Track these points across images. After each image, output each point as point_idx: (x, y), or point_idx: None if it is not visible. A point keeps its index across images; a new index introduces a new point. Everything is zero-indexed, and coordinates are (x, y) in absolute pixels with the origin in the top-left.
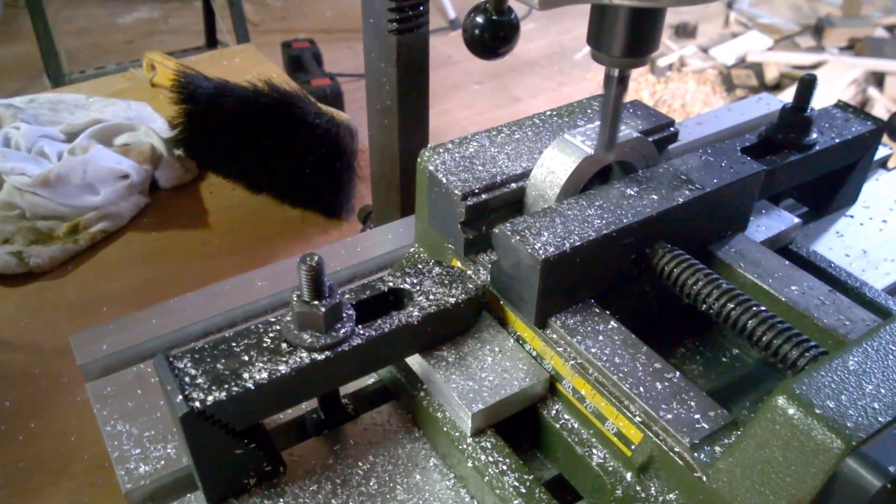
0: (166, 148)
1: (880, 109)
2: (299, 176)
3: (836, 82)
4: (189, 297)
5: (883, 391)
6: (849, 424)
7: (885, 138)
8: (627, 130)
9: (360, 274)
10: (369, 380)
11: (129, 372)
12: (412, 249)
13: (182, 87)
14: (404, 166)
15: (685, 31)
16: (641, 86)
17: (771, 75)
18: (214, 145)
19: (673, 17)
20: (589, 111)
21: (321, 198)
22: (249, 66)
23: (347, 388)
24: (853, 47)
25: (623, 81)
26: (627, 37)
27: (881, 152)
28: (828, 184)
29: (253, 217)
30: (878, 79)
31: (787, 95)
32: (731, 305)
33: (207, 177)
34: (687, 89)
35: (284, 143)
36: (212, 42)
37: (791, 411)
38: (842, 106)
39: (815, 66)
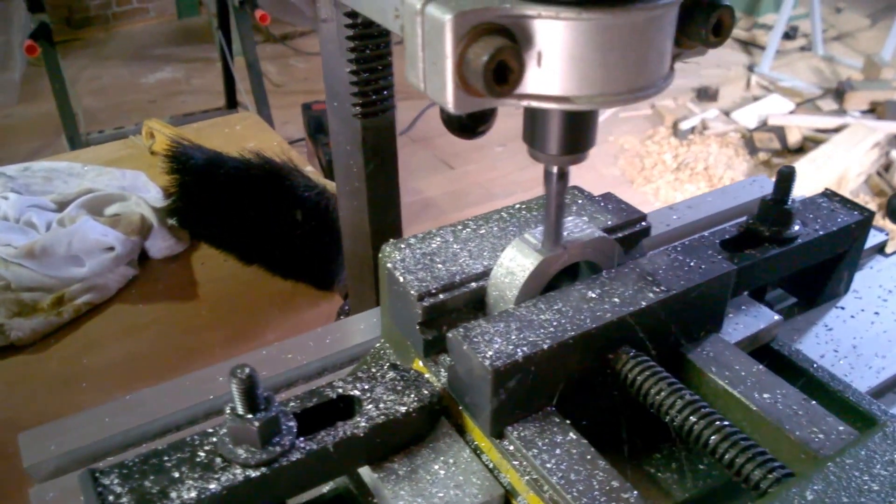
0: (158, 218)
1: None
2: (290, 248)
3: (859, 145)
4: (145, 393)
5: None
6: None
7: (880, 221)
8: (589, 230)
9: (329, 367)
10: (324, 488)
11: (73, 476)
12: (378, 345)
13: (174, 157)
14: (376, 246)
15: (707, 95)
16: (664, 148)
17: (793, 139)
18: (207, 215)
19: (694, 80)
20: None
21: (312, 270)
22: (250, 134)
23: (300, 496)
24: (874, 111)
25: (563, 177)
26: (562, 136)
27: (877, 238)
28: (817, 274)
29: (243, 289)
30: None
31: (810, 159)
32: (693, 419)
33: (200, 247)
34: (710, 152)
35: (275, 216)
36: (231, 103)
37: None
38: (828, 195)
39: (837, 129)
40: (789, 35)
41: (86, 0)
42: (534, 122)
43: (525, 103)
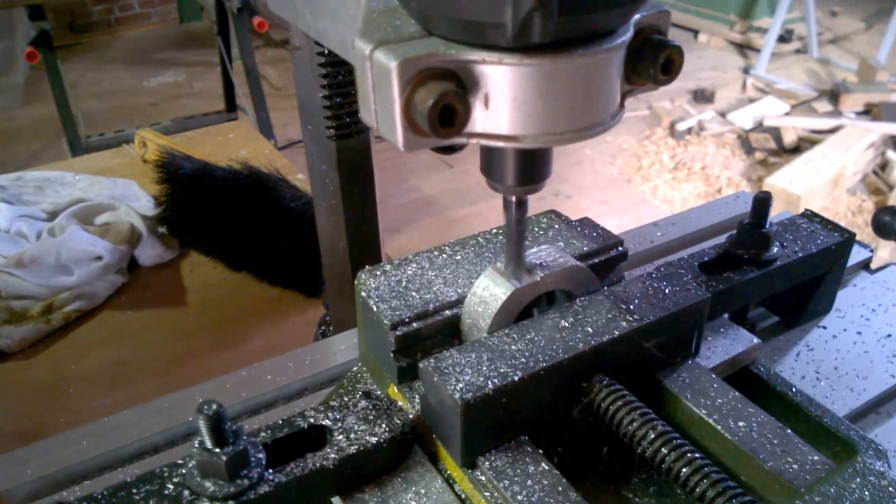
0: (147, 226)
1: None
2: (278, 255)
3: (855, 145)
4: (123, 416)
5: None
6: None
7: (863, 237)
8: (563, 258)
9: (309, 387)
10: None
11: (49, 500)
12: (355, 368)
13: (163, 167)
14: (354, 262)
15: (703, 97)
16: (661, 149)
17: (789, 139)
18: (196, 224)
19: (690, 82)
20: (536, 229)
21: (299, 277)
22: (243, 142)
23: None
24: (869, 112)
25: (522, 206)
26: (517, 169)
27: (862, 254)
28: (798, 293)
29: (231, 296)
30: (895, 142)
31: (805, 159)
32: (665, 450)
33: (189, 255)
34: (707, 152)
35: (262, 225)
36: (231, 107)
37: None
38: (808, 216)
39: (832, 130)
40: (784, 38)
41: (89, 5)
42: (489, 155)
43: (474, 141)
